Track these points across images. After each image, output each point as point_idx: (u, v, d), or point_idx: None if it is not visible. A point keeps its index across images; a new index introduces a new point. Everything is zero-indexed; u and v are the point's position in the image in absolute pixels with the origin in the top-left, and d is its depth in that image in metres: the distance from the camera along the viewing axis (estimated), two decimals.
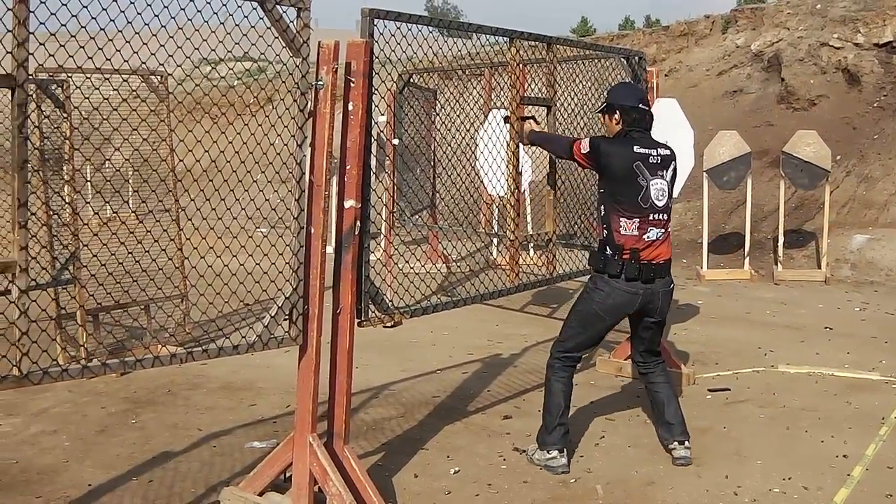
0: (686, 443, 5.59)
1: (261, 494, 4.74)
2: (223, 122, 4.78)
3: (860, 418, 6.33)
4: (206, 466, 5.53)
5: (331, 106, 4.40)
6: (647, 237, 5.33)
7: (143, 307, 7.92)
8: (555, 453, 5.45)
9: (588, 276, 5.69)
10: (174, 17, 3.94)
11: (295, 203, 4.43)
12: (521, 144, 6.15)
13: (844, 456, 5.62)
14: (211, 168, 4.59)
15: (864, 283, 11.66)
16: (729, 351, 8.31)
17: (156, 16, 3.86)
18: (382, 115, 10.93)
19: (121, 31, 3.78)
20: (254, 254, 4.62)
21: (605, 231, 5.39)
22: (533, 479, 5.35)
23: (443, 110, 9.84)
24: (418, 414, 6.53)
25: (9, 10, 3.28)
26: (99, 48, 3.78)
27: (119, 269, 4.65)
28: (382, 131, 11.14)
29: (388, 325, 5.00)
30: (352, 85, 4.47)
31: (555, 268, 6.55)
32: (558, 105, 6.57)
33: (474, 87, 11.43)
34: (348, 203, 4.52)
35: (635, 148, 5.32)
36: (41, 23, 3.40)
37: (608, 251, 5.37)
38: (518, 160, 6.16)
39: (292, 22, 4.29)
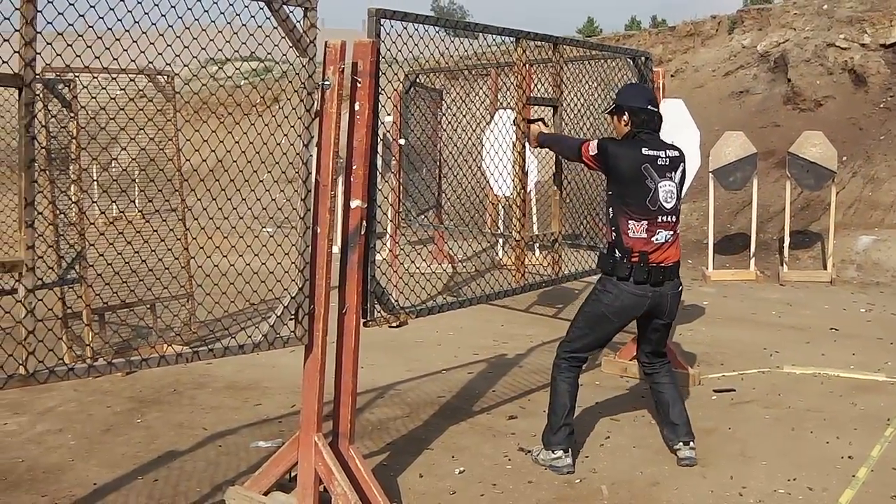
0: (691, 443, 5.58)
1: (266, 494, 4.74)
2: (230, 121, 4.78)
3: (865, 419, 6.32)
4: (211, 466, 5.54)
5: (337, 106, 4.40)
6: (656, 240, 5.31)
7: (148, 306, 7.93)
8: (560, 453, 5.45)
9: (595, 277, 5.68)
10: (181, 17, 3.94)
11: (301, 203, 4.43)
12: (526, 145, 6.15)
13: (849, 457, 5.61)
14: (217, 168, 4.58)
15: (870, 284, 11.64)
16: (734, 352, 8.30)
17: (163, 15, 3.86)
18: (388, 115, 10.92)
19: (128, 31, 3.79)
20: (260, 253, 4.62)
21: (614, 233, 5.38)
22: (538, 479, 5.35)
23: (449, 110, 9.84)
24: (423, 414, 6.53)
25: (16, 9, 3.29)
26: (106, 48, 3.79)
27: (125, 268, 4.65)
28: (388, 131, 11.16)
29: (394, 324, 5.00)
30: (358, 85, 4.47)
31: (560, 268, 6.55)
32: (564, 105, 6.56)
33: (480, 88, 11.43)
34: (354, 203, 4.52)
35: (644, 150, 5.30)
36: (48, 22, 3.41)
37: (617, 254, 5.36)
38: (524, 160, 6.15)
39: (299, 22, 4.30)
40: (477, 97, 10.46)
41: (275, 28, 4.30)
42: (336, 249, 4.48)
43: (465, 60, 11.98)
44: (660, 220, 5.31)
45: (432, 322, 7.93)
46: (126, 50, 3.90)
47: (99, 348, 7.39)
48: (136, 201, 7.97)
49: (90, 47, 3.70)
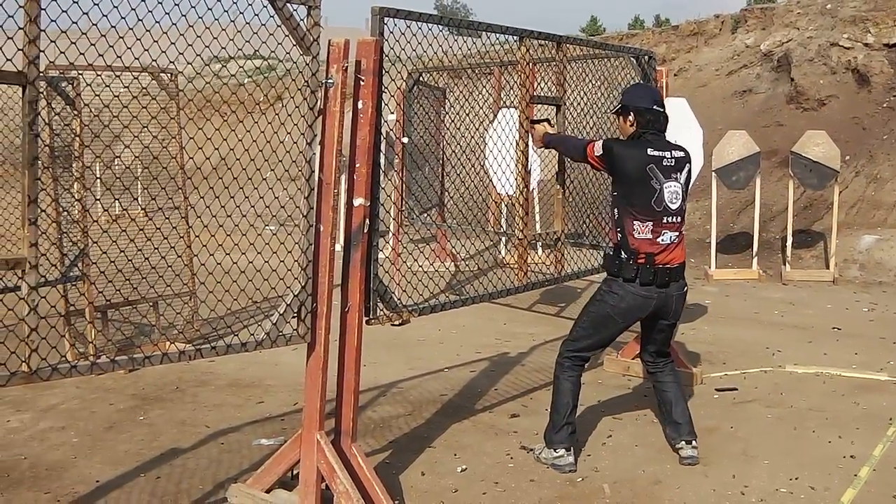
0: (693, 442, 5.58)
1: (268, 491, 4.75)
2: (233, 119, 4.78)
3: (868, 419, 6.32)
4: (213, 463, 5.55)
5: (340, 104, 4.40)
6: (662, 241, 5.30)
7: (151, 304, 7.93)
8: (562, 452, 5.45)
9: (598, 276, 5.68)
10: (184, 15, 3.95)
11: (304, 201, 4.43)
12: (529, 143, 6.15)
13: (852, 456, 5.61)
14: (220, 165, 4.60)
15: (873, 284, 11.64)
16: (737, 351, 8.30)
17: (166, 13, 3.87)
18: (392, 113, 10.95)
19: (131, 29, 3.79)
20: (262, 251, 4.63)
21: (619, 234, 5.36)
22: (540, 477, 5.35)
23: (452, 109, 9.84)
24: (426, 412, 6.53)
25: (20, 7, 3.30)
26: (109, 45, 3.79)
27: (128, 265, 4.67)
28: (392, 130, 11.16)
29: (397, 323, 5.00)
30: (361, 83, 4.47)
31: (563, 267, 6.55)
32: (568, 104, 6.56)
33: (484, 86, 11.41)
34: (357, 201, 4.52)
35: (649, 150, 5.29)
36: (52, 20, 3.42)
37: (623, 255, 5.34)
38: (527, 159, 6.15)
39: (302, 20, 4.30)
40: (480, 96, 10.46)
41: (278, 26, 4.30)
42: (339, 247, 4.49)
43: (468, 59, 11.99)
44: (665, 220, 5.30)
45: (435, 320, 7.92)
46: (129, 48, 3.91)
47: (102, 346, 7.40)
48: (140, 199, 7.99)
49: (94, 45, 3.70)
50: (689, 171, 5.49)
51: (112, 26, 3.69)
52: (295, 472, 4.73)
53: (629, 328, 5.73)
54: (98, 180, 8.46)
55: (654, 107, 5.41)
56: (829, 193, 12.63)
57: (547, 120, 6.13)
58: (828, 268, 12.11)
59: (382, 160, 4.86)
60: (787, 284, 11.79)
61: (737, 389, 7.06)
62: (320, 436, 4.54)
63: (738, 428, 6.19)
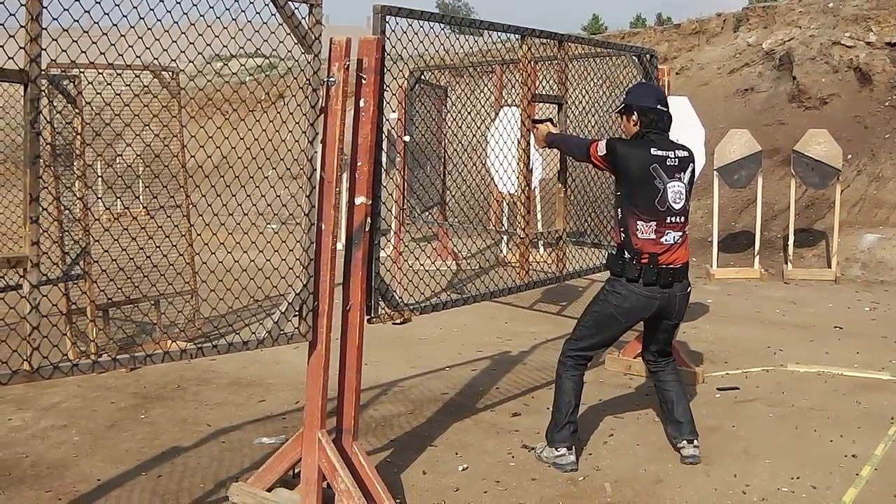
0: (695, 441, 5.58)
1: (269, 490, 4.75)
2: (234, 118, 4.78)
3: (869, 418, 6.32)
4: (214, 462, 5.55)
5: (342, 102, 4.40)
6: (665, 241, 5.29)
7: (153, 303, 7.94)
8: (563, 451, 5.44)
9: (599, 275, 5.67)
10: (186, 13, 3.94)
11: (306, 199, 4.43)
12: (531, 142, 6.14)
13: (853, 455, 5.60)
14: (222, 164, 4.59)
15: (875, 283, 11.63)
16: (738, 350, 8.30)
17: (168, 11, 3.86)
18: (394, 111, 10.94)
19: (133, 27, 3.79)
20: (264, 250, 4.62)
21: (623, 234, 5.35)
22: (541, 476, 5.35)
23: (454, 107, 9.84)
24: (427, 411, 6.53)
25: (22, 5, 3.30)
26: (111, 44, 3.79)
27: (129, 264, 4.66)
28: (393, 128, 11.15)
29: (398, 321, 5.01)
30: (363, 81, 4.47)
31: (565, 265, 6.55)
32: (569, 103, 6.56)
33: (485, 85, 11.42)
34: (359, 200, 4.52)
35: (652, 150, 5.27)
36: (54, 18, 3.41)
37: (626, 255, 5.33)
38: (528, 157, 6.15)
39: (304, 18, 4.30)
40: (482, 94, 10.47)
41: (280, 24, 4.30)
42: (340, 246, 4.49)
43: (470, 57, 12.00)
44: (668, 220, 5.29)
45: (436, 319, 7.92)
46: (131, 45, 3.91)
47: (103, 344, 7.40)
48: (141, 197, 7.99)
49: (95, 43, 3.71)
50: (693, 170, 5.47)
51: (114, 24, 3.69)
52: (296, 470, 4.73)
53: (632, 328, 5.73)
54: (100, 178, 8.46)
55: (658, 106, 5.40)
56: (830, 192, 12.62)
57: (550, 120, 6.13)
58: (829, 267, 12.10)
59: (384, 158, 4.86)
60: (788, 283, 11.79)
61: (738, 388, 7.06)
62: (322, 434, 4.54)
63: (740, 427, 6.19)
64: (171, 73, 7.87)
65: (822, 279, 11.83)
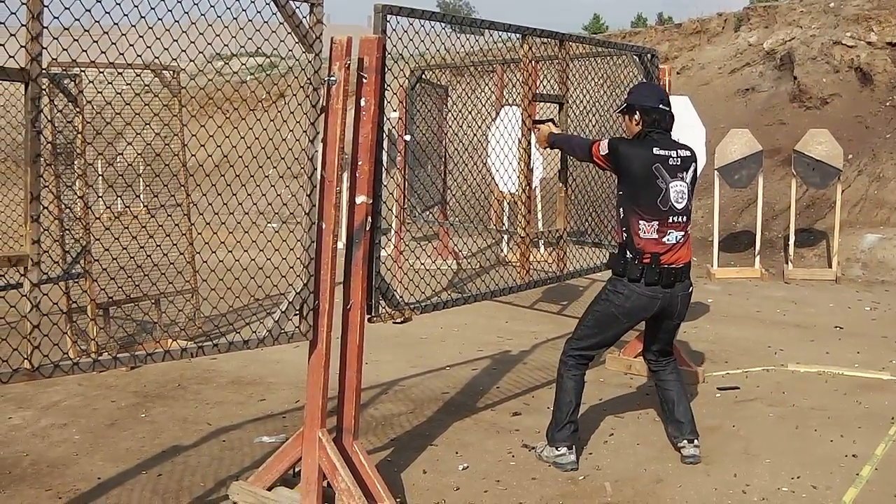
0: (695, 441, 5.58)
1: (270, 489, 4.75)
2: (235, 117, 4.78)
3: (870, 418, 6.32)
4: (215, 461, 5.55)
5: (343, 102, 4.40)
6: (667, 240, 5.28)
7: (153, 301, 7.94)
8: (564, 450, 5.44)
9: (600, 274, 5.67)
10: (187, 12, 3.95)
11: (306, 198, 4.44)
12: (532, 141, 6.14)
13: (854, 455, 5.60)
14: (222, 163, 4.59)
15: (875, 283, 11.63)
16: (739, 349, 8.30)
17: (169, 11, 3.87)
18: (394, 111, 10.95)
19: (134, 26, 3.79)
20: (265, 249, 4.62)
21: (625, 234, 5.34)
22: (542, 475, 5.35)
23: (454, 107, 9.85)
24: (427, 410, 6.53)
25: (23, 4, 3.30)
26: (112, 43, 3.79)
27: (130, 263, 4.66)
28: (394, 127, 11.15)
29: (398, 320, 5.00)
30: (364, 81, 4.47)
31: (565, 265, 6.55)
32: (570, 102, 6.56)
33: (486, 84, 11.42)
34: (359, 199, 4.52)
35: (655, 150, 5.26)
36: (55, 17, 3.41)
37: (628, 255, 5.33)
38: (529, 157, 6.15)
39: (305, 17, 4.30)
40: (483, 94, 10.47)
41: (281, 23, 4.30)
42: (341, 245, 4.49)
43: (470, 57, 12.00)
44: (671, 220, 5.28)
45: (436, 318, 7.92)
46: (132, 45, 3.91)
47: (103, 343, 7.40)
48: (142, 196, 7.98)
49: (96, 42, 3.71)
50: (695, 170, 5.47)
51: (115, 23, 3.69)
52: (297, 469, 4.73)
53: (633, 327, 5.73)
54: (100, 177, 8.47)
55: (661, 106, 5.39)
56: (831, 192, 12.62)
57: (552, 120, 6.12)
58: (830, 267, 12.10)
59: (385, 158, 4.86)
60: (789, 283, 11.79)
61: (739, 388, 7.05)
62: (322, 433, 4.54)
63: (740, 427, 6.19)
64: (171, 71, 7.87)
65: (822, 279, 11.83)
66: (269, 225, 9.08)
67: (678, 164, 5.30)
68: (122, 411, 6.45)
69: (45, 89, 6.44)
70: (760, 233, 12.57)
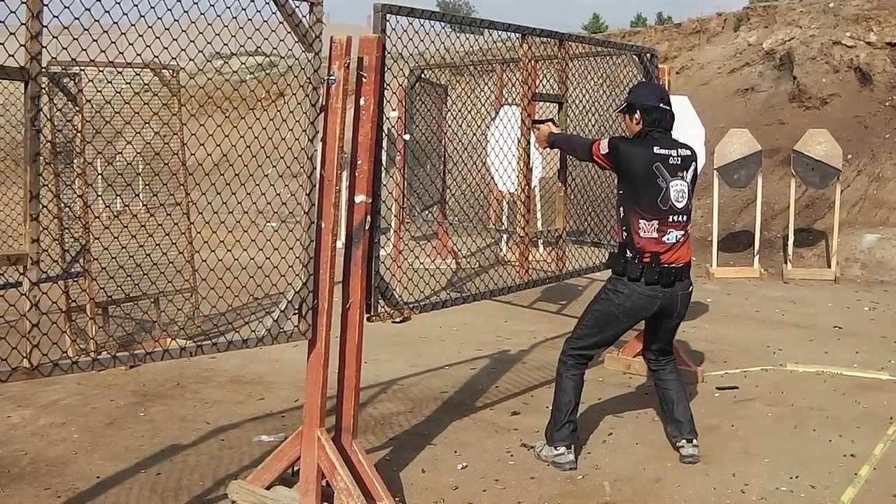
0: (694, 441, 5.58)
1: (268, 488, 4.75)
2: (234, 116, 4.78)
3: (869, 418, 6.32)
4: (214, 460, 5.55)
5: (342, 101, 4.40)
6: (667, 239, 5.28)
7: (152, 300, 7.94)
8: (562, 449, 5.45)
9: (599, 274, 5.66)
10: (187, 12, 3.95)
11: (306, 198, 4.44)
12: (531, 141, 6.14)
13: (852, 455, 5.61)
14: (222, 162, 4.59)
15: (874, 283, 11.63)
16: (738, 349, 8.30)
17: (169, 9, 3.87)
18: (394, 110, 10.95)
19: (133, 25, 3.79)
20: (264, 248, 4.63)
21: (625, 233, 5.35)
22: (540, 475, 5.36)
23: (454, 106, 9.85)
24: (426, 409, 6.54)
25: (22, 2, 3.30)
26: (111, 42, 3.79)
27: (129, 262, 4.66)
28: (393, 126, 11.15)
29: (397, 320, 5.00)
30: (364, 80, 4.47)
31: (564, 264, 6.55)
32: (570, 102, 6.56)
33: (486, 83, 11.42)
34: (359, 198, 4.52)
35: (655, 149, 5.26)
36: (54, 16, 3.42)
37: (628, 254, 5.33)
38: (529, 156, 6.15)
39: (305, 17, 4.30)
40: (482, 93, 10.47)
41: (280, 23, 4.30)
42: (340, 244, 4.49)
43: (470, 56, 12.00)
44: (671, 219, 5.29)
45: (435, 317, 7.92)
46: (132, 44, 3.91)
47: (103, 342, 7.40)
48: (141, 195, 7.98)
49: (96, 41, 3.70)
50: (696, 169, 5.47)
51: (114, 22, 3.69)
52: (295, 468, 4.74)
53: (633, 327, 5.73)
54: (100, 176, 8.46)
55: (661, 105, 5.39)
56: (830, 192, 12.61)
57: (551, 120, 6.13)
58: (829, 266, 12.10)
59: (384, 157, 4.86)
60: (788, 283, 11.79)
61: (738, 388, 7.06)
62: (321, 432, 4.54)
63: (739, 426, 6.19)
64: (171, 70, 7.87)
65: (821, 279, 11.83)
66: (268, 224, 9.08)
67: (678, 163, 5.30)
68: (120, 410, 6.45)
69: (44, 88, 6.44)
70: (759, 232, 12.57)
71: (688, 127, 7.41)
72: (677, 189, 5.28)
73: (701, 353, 8.09)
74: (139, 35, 3.87)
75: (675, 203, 5.27)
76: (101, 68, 6.24)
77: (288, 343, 4.59)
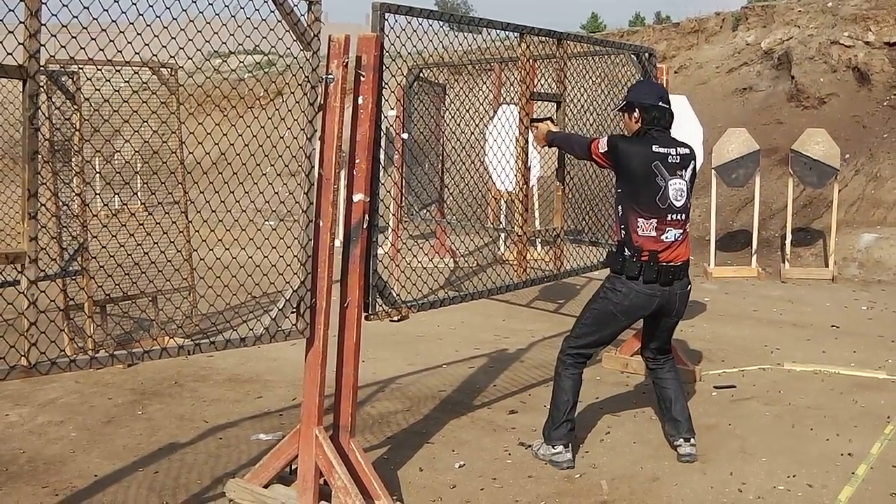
0: (692, 440, 5.58)
1: (266, 486, 4.75)
2: (233, 114, 4.78)
3: (866, 417, 6.33)
4: (212, 458, 5.55)
5: (341, 99, 4.40)
6: (666, 238, 5.29)
7: (151, 299, 7.94)
8: (560, 448, 5.45)
9: (597, 273, 5.66)
10: (185, 10, 3.95)
11: (304, 196, 4.44)
12: (529, 140, 6.15)
13: (849, 454, 5.61)
14: (220, 160, 4.59)
15: (872, 282, 11.64)
16: (735, 348, 8.31)
17: (167, 8, 3.87)
18: (392, 109, 10.95)
19: (132, 24, 3.79)
20: (262, 246, 4.63)
21: (623, 231, 5.34)
22: (538, 473, 5.36)
23: (452, 105, 9.85)
24: (424, 408, 6.54)
25: (21, 1, 3.30)
26: (110, 40, 3.79)
27: (127, 260, 4.67)
28: (392, 125, 11.15)
29: (395, 318, 5.01)
30: (362, 79, 4.48)
31: (562, 263, 6.55)
32: (568, 101, 6.56)
33: (484, 83, 11.43)
34: (357, 197, 4.52)
35: (654, 147, 5.26)
36: (53, 14, 3.41)
37: (626, 252, 5.33)
38: (527, 155, 6.15)
39: (303, 15, 4.30)
40: (480, 92, 10.47)
41: (279, 21, 4.30)
42: (338, 243, 4.49)
43: (468, 55, 11.99)
44: (669, 218, 5.29)
45: (433, 316, 7.93)
46: (130, 42, 3.91)
47: (101, 340, 7.40)
48: (139, 193, 7.99)
49: (94, 39, 3.70)
50: (695, 168, 5.47)
51: (113, 21, 3.69)
52: (293, 467, 4.73)
53: (631, 326, 5.73)
54: (98, 175, 8.47)
55: (660, 103, 5.39)
56: (828, 192, 12.62)
57: (550, 119, 6.13)
58: (827, 266, 12.11)
59: (382, 156, 4.86)
60: (786, 282, 11.79)
61: (735, 387, 7.06)
62: (319, 431, 4.55)
63: (737, 425, 6.19)
64: (169, 69, 7.87)
65: (819, 278, 11.84)
66: (266, 222, 9.08)
67: (677, 161, 5.30)
68: (118, 409, 6.45)
69: (42, 86, 6.45)
70: (757, 232, 12.58)
71: (686, 126, 7.42)
72: (676, 188, 5.28)
73: (699, 352, 8.09)
74: (137, 33, 3.87)
75: (674, 202, 5.28)
76: (99, 66, 6.24)
77: (286, 342, 4.59)
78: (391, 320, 4.99)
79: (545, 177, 10.69)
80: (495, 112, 9.87)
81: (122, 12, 3.69)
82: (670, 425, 5.71)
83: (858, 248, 12.37)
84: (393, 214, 10.80)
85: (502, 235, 12.74)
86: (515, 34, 5.98)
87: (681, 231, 5.35)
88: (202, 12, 4.01)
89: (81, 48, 3.74)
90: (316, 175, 4.45)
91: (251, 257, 4.65)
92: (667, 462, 5.55)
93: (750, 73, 17.43)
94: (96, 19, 3.66)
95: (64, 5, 3.43)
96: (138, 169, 7.98)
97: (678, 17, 22.56)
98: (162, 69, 7.80)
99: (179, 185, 8.09)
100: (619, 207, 5.38)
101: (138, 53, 4.02)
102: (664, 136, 5.37)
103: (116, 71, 4.98)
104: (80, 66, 6.93)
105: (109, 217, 7.23)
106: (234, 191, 4.56)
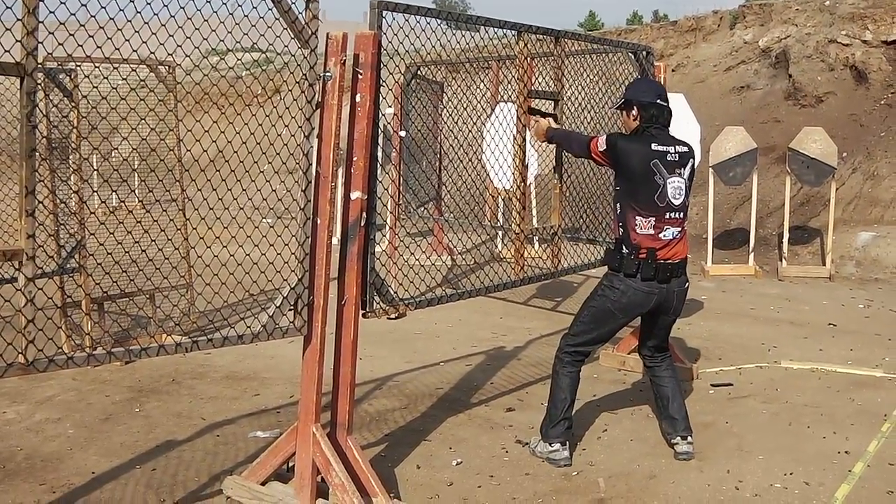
0: (689, 438, 5.59)
1: (263, 484, 4.75)
2: (230, 112, 4.78)
3: (863, 415, 6.33)
4: (209, 455, 5.55)
5: (338, 97, 4.40)
6: (664, 236, 5.29)
7: (148, 296, 7.94)
8: (557, 446, 5.45)
9: (594, 271, 5.66)
10: (183, 7, 3.95)
11: (301, 194, 4.44)
12: (527, 138, 6.14)
13: (846, 452, 5.62)
14: (218, 158, 4.59)
15: (869, 281, 11.65)
16: (732, 346, 8.31)
17: (165, 5, 3.87)
18: (389, 106, 10.95)
19: (130, 21, 3.79)
20: (259, 244, 4.63)
21: (622, 229, 5.35)
22: (535, 471, 5.36)
23: (450, 103, 9.84)
24: (422, 405, 6.54)
25: None
26: (108, 38, 3.79)
27: (125, 258, 4.66)
28: (389, 123, 11.15)
29: (393, 316, 5.00)
30: (359, 76, 4.48)
31: (560, 261, 6.55)
32: (565, 99, 6.56)
33: (482, 80, 11.43)
34: (354, 194, 4.53)
35: (653, 145, 5.26)
36: (51, 11, 3.42)
37: (624, 250, 5.33)
38: (524, 153, 6.15)
39: (301, 13, 4.30)
40: (478, 90, 10.48)
41: (277, 19, 4.30)
42: (336, 240, 4.49)
43: (466, 53, 11.99)
44: (668, 216, 5.29)
45: (431, 314, 7.94)
46: (128, 40, 3.91)
47: (98, 337, 7.40)
48: (137, 191, 7.98)
49: (92, 37, 3.71)
50: (693, 166, 5.47)
51: (110, 18, 3.69)
52: (290, 464, 4.73)
53: (629, 323, 5.73)
54: (95, 172, 8.46)
55: (658, 101, 5.39)
56: (826, 190, 12.64)
57: (553, 115, 6.12)
58: (824, 264, 12.13)
59: (380, 154, 4.86)
60: (783, 281, 11.81)
61: (732, 385, 7.07)
62: (316, 428, 4.55)
63: (734, 423, 6.20)
64: (167, 67, 7.87)
65: (816, 276, 11.85)
66: (263, 220, 9.09)
67: (676, 159, 5.31)
68: (116, 406, 6.45)
69: (40, 84, 6.45)
70: (755, 230, 12.59)
71: (684, 124, 7.42)
72: (674, 186, 5.29)
73: (696, 350, 8.10)
74: (135, 31, 3.87)
75: (672, 200, 5.28)
76: (97, 64, 6.26)
77: (283, 339, 4.59)
78: (389, 318, 4.98)
79: (543, 174, 10.69)
80: (493, 110, 9.87)
81: (120, 9, 3.70)
82: (667, 423, 5.71)
83: (856, 246, 12.39)
84: (390, 212, 10.81)
85: (500, 233, 12.74)
86: (513, 32, 5.98)
87: (679, 229, 5.36)
88: (200, 9, 4.01)
89: (79, 45, 3.74)
90: (314, 173, 4.45)
91: (248, 255, 4.65)
92: (664, 460, 5.55)
93: (747, 71, 17.43)
94: (94, 17, 3.66)
95: (62, 2, 3.43)
96: (136, 166, 7.98)
97: (676, 16, 22.63)
98: (159, 66, 7.80)
99: (177, 183, 8.09)
100: (618, 205, 5.38)
101: (136, 51, 4.02)
102: (663, 133, 5.37)
103: (114, 68, 4.99)
104: (78, 64, 6.94)
105: (107, 214, 7.23)
106: (232, 188, 4.56)
